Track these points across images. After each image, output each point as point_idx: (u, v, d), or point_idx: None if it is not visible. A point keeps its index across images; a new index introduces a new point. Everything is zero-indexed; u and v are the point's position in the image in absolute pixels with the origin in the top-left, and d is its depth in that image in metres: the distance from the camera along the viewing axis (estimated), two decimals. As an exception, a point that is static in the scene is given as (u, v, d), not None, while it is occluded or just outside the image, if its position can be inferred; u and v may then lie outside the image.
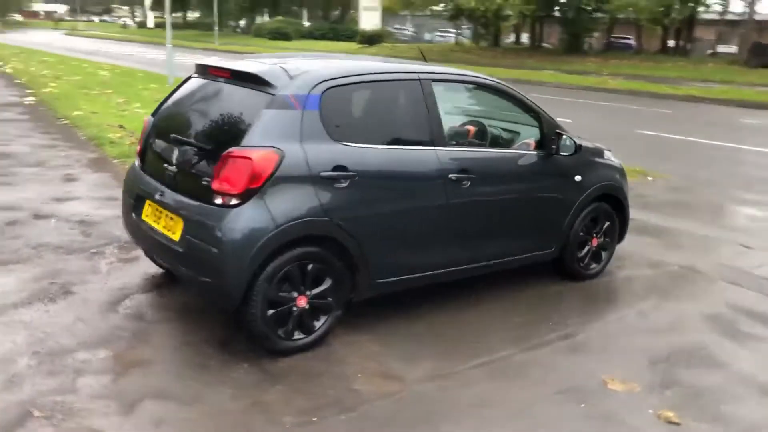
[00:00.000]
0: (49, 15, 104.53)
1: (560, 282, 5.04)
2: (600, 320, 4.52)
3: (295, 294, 3.69)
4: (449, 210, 4.21)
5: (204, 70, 4.20)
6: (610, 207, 5.15)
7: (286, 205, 3.57)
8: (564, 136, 4.64)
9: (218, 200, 3.54)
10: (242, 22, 66.31)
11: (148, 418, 3.12)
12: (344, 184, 3.72)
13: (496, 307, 4.58)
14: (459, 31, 45.31)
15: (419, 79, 4.16)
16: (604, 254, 5.22)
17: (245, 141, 3.55)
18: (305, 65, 4.00)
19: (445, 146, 4.22)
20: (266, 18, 61.66)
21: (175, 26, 65.86)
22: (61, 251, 5.12)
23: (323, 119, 3.71)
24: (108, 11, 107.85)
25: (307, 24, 60.53)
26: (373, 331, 4.08)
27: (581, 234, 4.99)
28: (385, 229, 3.95)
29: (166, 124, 4.19)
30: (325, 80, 3.78)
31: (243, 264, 3.48)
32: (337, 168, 3.70)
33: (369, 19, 47.27)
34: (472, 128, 4.82)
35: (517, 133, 4.94)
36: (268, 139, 3.57)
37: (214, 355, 3.72)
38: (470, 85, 4.85)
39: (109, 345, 3.76)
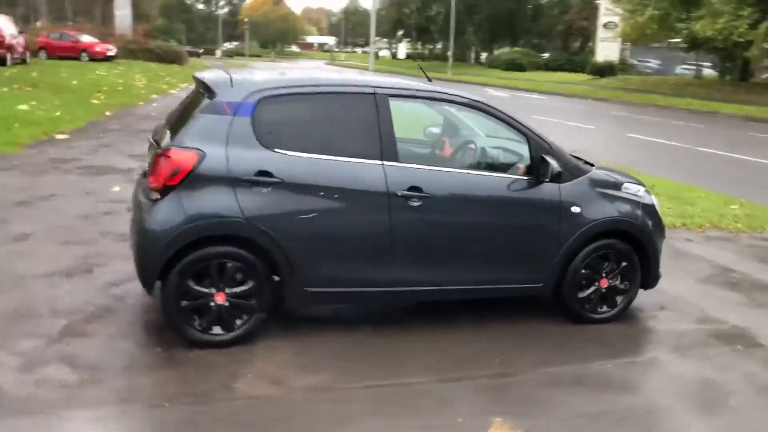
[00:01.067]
0: (320, 47, 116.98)
1: (555, 321, 4.57)
2: (555, 367, 4.00)
3: (213, 290, 3.89)
4: (394, 227, 4.08)
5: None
6: (629, 246, 4.57)
7: (201, 203, 3.80)
8: (549, 161, 4.24)
9: (150, 195, 3.90)
10: (484, 55, 67.81)
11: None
12: (267, 190, 3.84)
13: (452, 334, 4.32)
14: (700, 64, 41.61)
15: (374, 93, 4.12)
16: (619, 298, 4.63)
17: (176, 141, 3.86)
18: (254, 75, 4.22)
19: (397, 161, 4.10)
20: (505, 50, 62.36)
21: (420, 57, 69.73)
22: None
23: (254, 126, 3.88)
24: (368, 44, 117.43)
25: (546, 55, 60.04)
26: (303, 339, 4.12)
27: (584, 272, 4.49)
28: (316, 238, 3.97)
29: (159, 129, 4.68)
30: (261, 90, 3.95)
31: (155, 254, 3.77)
32: (261, 173, 3.83)
33: (606, 50, 45.57)
34: (447, 142, 4.64)
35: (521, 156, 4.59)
36: (195, 141, 3.83)
37: (153, 338, 4.05)
38: (443, 103, 4.65)
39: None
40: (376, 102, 4.10)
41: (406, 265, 4.19)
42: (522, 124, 4.42)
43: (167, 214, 3.79)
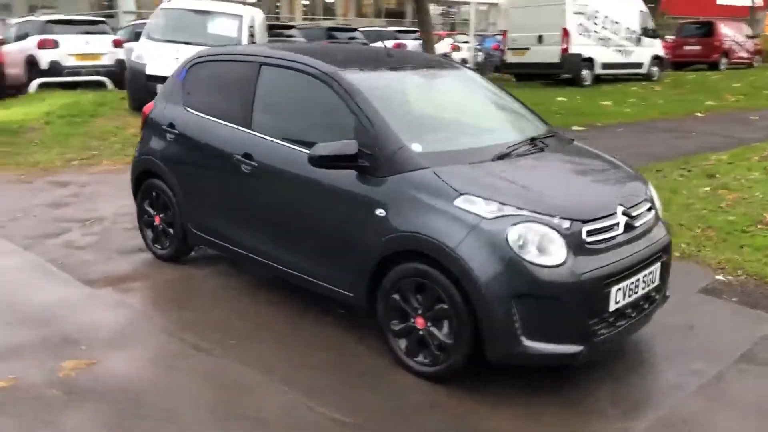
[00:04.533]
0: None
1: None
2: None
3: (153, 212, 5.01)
4: (237, 191, 4.30)
5: None
6: (451, 282, 3.22)
7: (143, 143, 4.98)
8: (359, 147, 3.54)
9: None
10: None
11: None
12: (171, 138, 4.77)
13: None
14: None
15: (259, 63, 4.31)
16: (442, 355, 3.36)
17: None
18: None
19: (248, 128, 4.20)
20: None
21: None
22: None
23: (183, 88, 4.84)
24: None
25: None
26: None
27: (395, 297, 3.47)
28: (189, 183, 4.67)
29: None
30: (194, 59, 4.89)
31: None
32: (170, 125, 4.77)
33: None
34: (302, 113, 4.26)
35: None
36: (158, 97, 5.05)
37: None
38: (300, 74, 4.07)
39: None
40: (258, 70, 4.28)
41: (258, 235, 4.24)
42: (356, 101, 3.71)
43: (139, 145, 5.13)
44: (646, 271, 3.51)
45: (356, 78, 3.91)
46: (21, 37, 14.27)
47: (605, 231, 3.37)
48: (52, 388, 3.29)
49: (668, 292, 3.87)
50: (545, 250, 3.17)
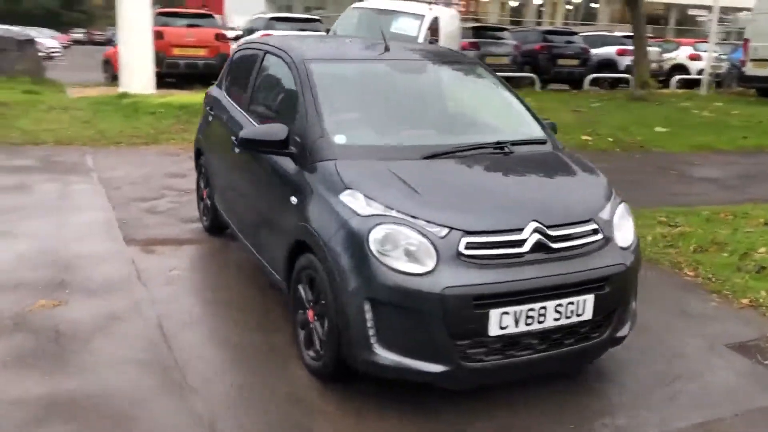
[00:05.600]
0: None
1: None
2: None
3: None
4: (230, 173, 4.63)
5: None
6: (327, 277, 3.06)
7: (200, 123, 5.59)
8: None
9: None
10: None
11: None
12: (209, 119, 5.20)
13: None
14: None
15: (264, 51, 4.51)
16: (321, 351, 3.25)
17: None
18: None
19: (247, 111, 4.39)
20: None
21: None
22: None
23: (227, 73, 5.31)
24: None
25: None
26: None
27: (299, 288, 3.38)
28: (213, 162, 5.08)
29: None
30: (237, 47, 5.52)
31: None
32: (210, 107, 5.26)
33: None
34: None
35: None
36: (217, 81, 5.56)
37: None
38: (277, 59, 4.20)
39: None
40: (261, 58, 4.52)
41: (241, 218, 4.48)
42: (305, 89, 3.74)
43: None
44: (564, 300, 3.01)
45: (318, 68, 3.90)
46: (250, 31, 16.20)
47: (497, 246, 2.98)
48: (8, 318, 3.83)
49: (624, 332, 3.29)
50: (412, 256, 2.91)
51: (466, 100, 4.43)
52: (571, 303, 3.04)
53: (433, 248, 2.90)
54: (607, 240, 3.23)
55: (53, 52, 27.80)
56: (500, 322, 2.90)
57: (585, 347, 3.16)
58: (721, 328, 4.12)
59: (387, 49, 4.28)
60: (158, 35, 15.12)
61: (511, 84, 4.84)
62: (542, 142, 3.90)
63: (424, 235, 2.93)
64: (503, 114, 4.23)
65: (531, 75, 17.70)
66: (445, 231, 2.95)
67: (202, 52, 15.55)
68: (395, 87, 4.19)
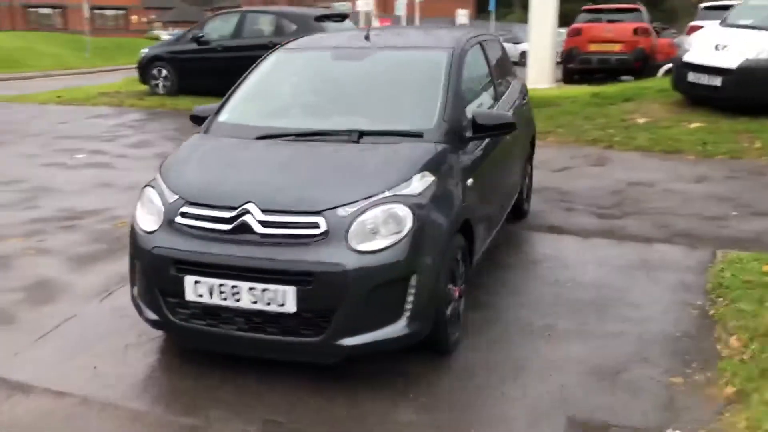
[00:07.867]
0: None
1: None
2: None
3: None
4: None
5: None
6: None
7: None
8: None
9: None
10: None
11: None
12: None
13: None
14: None
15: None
16: None
17: None
18: None
19: None
20: None
21: None
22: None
23: None
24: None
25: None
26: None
27: None
28: None
29: None
30: None
31: None
32: None
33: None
34: None
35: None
36: None
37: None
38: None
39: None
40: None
41: None
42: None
43: None
44: (258, 285, 3.04)
45: (280, 55, 4.58)
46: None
47: (205, 220, 3.19)
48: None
49: (354, 341, 3.06)
50: (151, 215, 3.38)
51: (386, 89, 4.21)
52: (267, 290, 3.01)
53: (162, 212, 3.32)
54: (332, 237, 2.98)
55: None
56: (196, 290, 3.12)
57: (294, 342, 3.04)
58: None
59: (366, 37, 4.41)
60: (576, 32, 15.45)
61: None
62: (417, 135, 3.62)
63: (160, 199, 3.38)
64: (407, 104, 4.00)
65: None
66: (173, 197, 3.33)
67: (617, 47, 15.21)
68: (330, 75, 4.40)
